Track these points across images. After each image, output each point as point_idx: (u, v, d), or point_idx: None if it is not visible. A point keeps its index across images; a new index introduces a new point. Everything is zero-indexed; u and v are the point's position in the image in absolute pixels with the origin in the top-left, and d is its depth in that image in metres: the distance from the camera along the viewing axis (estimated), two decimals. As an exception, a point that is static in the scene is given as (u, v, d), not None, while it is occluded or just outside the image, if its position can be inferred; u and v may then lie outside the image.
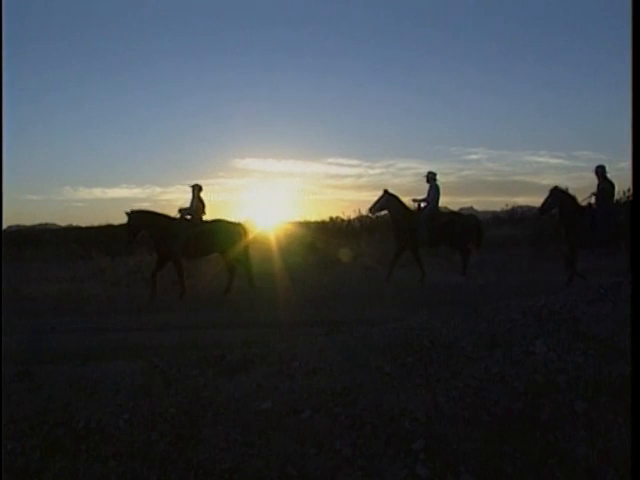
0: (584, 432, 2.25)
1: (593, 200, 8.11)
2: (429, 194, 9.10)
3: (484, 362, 2.79)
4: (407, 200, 9.23)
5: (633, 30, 2.32)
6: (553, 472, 2.10)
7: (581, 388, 2.50)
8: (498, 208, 22.94)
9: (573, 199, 8.23)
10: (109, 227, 18.67)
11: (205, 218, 8.59)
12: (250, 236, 8.72)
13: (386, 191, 9.11)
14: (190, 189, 8.57)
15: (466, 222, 9.27)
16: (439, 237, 8.96)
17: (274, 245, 12.24)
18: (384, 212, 9.36)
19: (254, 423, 2.45)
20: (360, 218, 17.14)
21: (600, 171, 8.09)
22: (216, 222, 8.54)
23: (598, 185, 8.07)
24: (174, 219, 8.30)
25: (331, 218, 18.33)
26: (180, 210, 8.42)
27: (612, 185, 8.08)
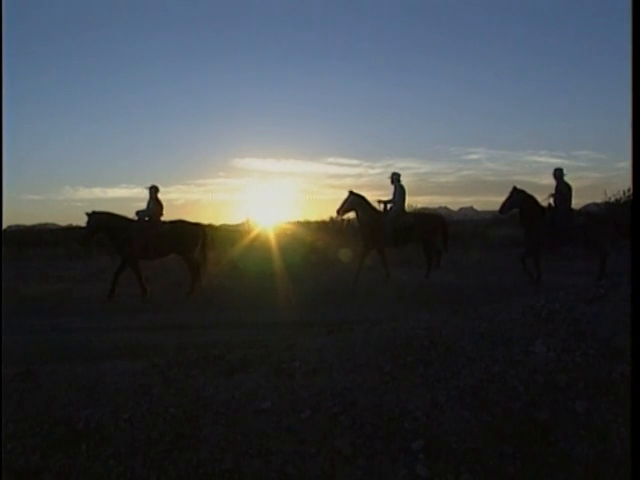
0: (584, 432, 2.26)
1: (552, 201, 8.33)
2: (394, 195, 9.12)
3: (484, 362, 2.79)
4: (373, 200, 9.25)
5: (633, 30, 2.32)
6: (553, 472, 2.10)
7: (581, 388, 2.50)
8: (498, 208, 22.86)
9: (533, 199, 8.42)
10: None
11: (163, 219, 8.62)
12: (209, 237, 8.70)
13: (351, 192, 9.14)
14: (147, 190, 8.57)
15: (431, 221, 9.33)
16: (404, 237, 9.00)
17: (274, 245, 12.25)
18: (351, 213, 9.32)
19: (254, 423, 2.45)
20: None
21: (558, 174, 8.37)
22: (175, 223, 8.60)
23: (556, 187, 8.32)
24: (132, 221, 8.42)
25: (331, 218, 18.33)
26: (137, 212, 8.52)
27: (569, 187, 8.32)
